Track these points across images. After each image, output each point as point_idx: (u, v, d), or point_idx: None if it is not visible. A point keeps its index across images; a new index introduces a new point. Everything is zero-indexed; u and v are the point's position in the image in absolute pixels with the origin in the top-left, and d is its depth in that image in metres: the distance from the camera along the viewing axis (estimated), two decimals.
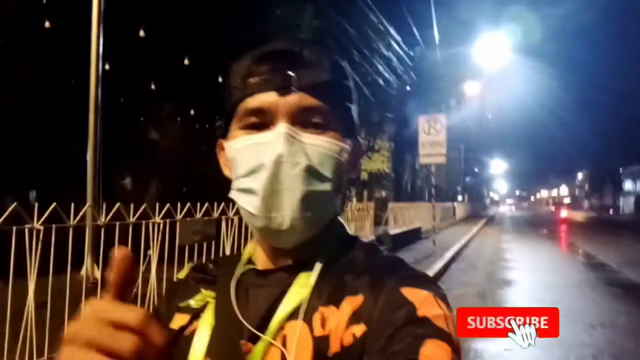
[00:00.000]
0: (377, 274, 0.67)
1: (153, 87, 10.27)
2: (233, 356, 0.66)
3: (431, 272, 8.56)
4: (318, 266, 0.69)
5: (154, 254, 4.53)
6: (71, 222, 3.67)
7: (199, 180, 11.72)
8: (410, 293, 0.62)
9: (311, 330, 0.64)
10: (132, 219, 4.23)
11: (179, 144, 12.63)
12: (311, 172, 0.66)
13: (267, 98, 0.67)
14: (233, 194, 0.72)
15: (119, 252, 0.45)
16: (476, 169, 54.12)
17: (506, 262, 12.23)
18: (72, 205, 3.73)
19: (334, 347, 0.62)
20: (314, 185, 0.67)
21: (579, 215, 59.57)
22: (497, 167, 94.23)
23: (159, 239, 4.54)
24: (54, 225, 3.48)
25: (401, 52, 17.48)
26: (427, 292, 0.63)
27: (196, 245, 5.01)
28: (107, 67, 7.30)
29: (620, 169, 68.65)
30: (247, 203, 0.68)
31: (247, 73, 0.69)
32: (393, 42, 16.31)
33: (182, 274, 0.85)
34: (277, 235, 0.68)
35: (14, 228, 3.27)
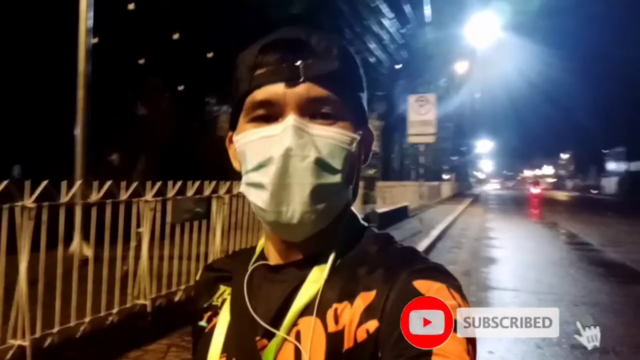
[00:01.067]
0: (390, 267, 0.66)
1: (142, 62, 10.11)
2: (248, 352, 0.67)
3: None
4: (330, 260, 0.69)
5: (145, 232, 4.54)
6: (62, 200, 3.65)
7: (187, 158, 11.66)
8: (423, 285, 0.61)
9: (325, 326, 0.64)
10: (123, 197, 4.22)
11: (168, 121, 12.51)
12: (321, 165, 0.65)
13: (274, 90, 0.66)
14: (243, 188, 0.71)
15: None
16: (463, 148, 54.36)
17: (491, 241, 12.40)
18: (63, 182, 3.71)
19: (348, 343, 0.62)
20: (324, 177, 0.66)
21: (562, 195, 60.37)
22: (484, 147, 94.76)
23: (150, 217, 4.55)
24: (46, 204, 3.46)
25: (392, 30, 17.35)
26: (441, 283, 0.62)
27: (187, 223, 5.02)
28: (95, 41, 7.17)
29: (604, 150, 69.41)
30: (257, 197, 0.68)
31: (254, 64, 0.68)
32: (384, 20, 16.17)
33: (198, 276, 0.86)
34: (287, 229, 0.68)
35: (6, 206, 3.26)
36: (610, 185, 66.91)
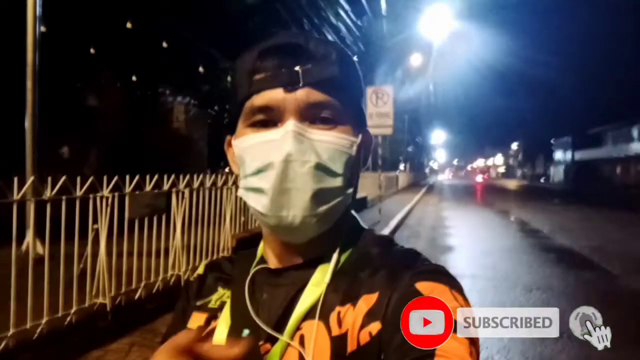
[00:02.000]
0: (392, 269, 0.67)
1: (93, 51, 9.74)
2: (251, 357, 0.67)
3: None
4: (333, 263, 0.69)
5: (102, 228, 4.40)
6: (15, 197, 3.49)
7: (142, 150, 11.36)
8: (426, 287, 0.62)
9: (328, 329, 0.64)
10: (79, 193, 4.07)
11: (120, 112, 12.13)
12: (321, 169, 0.65)
13: (273, 95, 0.66)
14: (241, 193, 0.71)
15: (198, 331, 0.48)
16: (418, 139, 55.33)
17: (447, 229, 12.71)
18: (14, 178, 3.55)
19: (351, 346, 0.62)
20: (325, 182, 0.66)
21: (512, 184, 62.56)
22: (438, 137, 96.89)
23: (107, 212, 4.41)
24: None
25: (349, 22, 17.41)
26: (443, 285, 0.63)
27: (146, 218, 4.90)
28: (44, 29, 6.84)
29: (552, 139, 72.27)
30: (256, 202, 0.67)
31: (252, 69, 0.68)
32: (341, 11, 16.21)
33: (200, 270, 0.85)
34: (288, 232, 0.68)
35: None
36: (557, 173, 69.88)
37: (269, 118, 0.67)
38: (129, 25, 9.51)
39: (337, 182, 0.67)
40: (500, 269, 7.69)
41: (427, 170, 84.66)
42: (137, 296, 4.75)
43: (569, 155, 63.73)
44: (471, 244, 10.48)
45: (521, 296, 6.06)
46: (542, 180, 74.67)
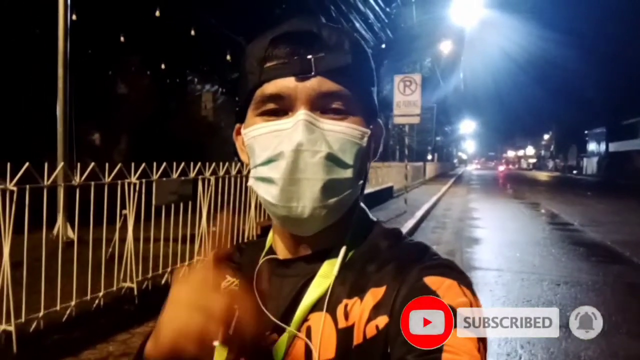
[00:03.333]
0: (401, 263, 0.66)
1: (122, 39, 9.87)
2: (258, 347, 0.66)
3: (403, 231, 8.72)
4: (341, 255, 0.69)
5: (130, 214, 4.48)
6: (45, 183, 3.58)
7: (169, 138, 11.51)
8: (434, 282, 0.61)
9: (335, 321, 0.64)
10: (107, 179, 4.15)
11: (149, 99, 12.30)
12: (332, 160, 0.64)
13: (285, 83, 0.65)
14: (251, 182, 0.70)
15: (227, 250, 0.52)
16: (447, 129, 54.64)
17: (474, 221, 12.53)
18: (45, 163, 3.63)
19: (357, 339, 0.62)
20: (335, 173, 0.65)
21: (543, 175, 61.35)
22: (467, 127, 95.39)
23: (135, 199, 4.49)
24: (27, 186, 3.39)
25: (378, 9, 17.21)
26: (451, 280, 0.62)
27: (173, 205, 4.97)
28: (75, 18, 6.96)
29: (585, 130, 70.44)
30: (266, 192, 0.67)
31: (264, 57, 0.66)
32: None
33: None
34: (297, 223, 0.67)
35: None
36: (590, 165, 68.16)
37: (280, 107, 0.66)
38: (157, 13, 9.59)
39: (348, 173, 0.66)
40: (527, 262, 7.55)
41: (455, 161, 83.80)
42: (163, 281, 4.84)
43: (602, 146, 62.03)
44: (498, 236, 10.31)
45: (548, 290, 5.95)
46: (574, 172, 72.98)
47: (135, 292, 4.42)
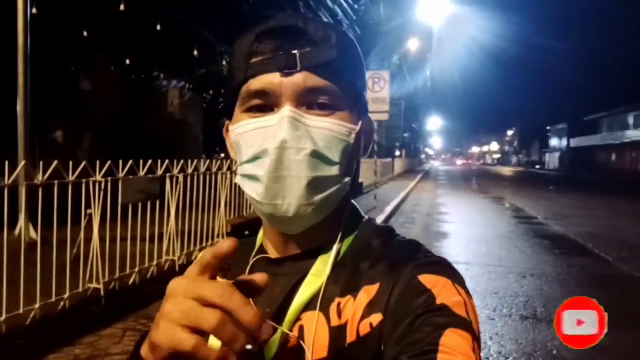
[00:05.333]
0: (394, 260, 0.66)
1: (85, 34, 9.60)
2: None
3: None
4: (333, 253, 0.68)
5: (95, 213, 4.37)
6: (6, 182, 3.45)
7: (135, 135, 11.27)
8: (428, 280, 0.61)
9: (328, 320, 0.64)
10: (71, 177, 4.03)
11: (114, 96, 12.00)
12: (317, 157, 0.64)
13: (270, 79, 0.64)
14: (238, 180, 0.69)
15: (228, 242, 0.48)
16: (414, 125, 55.25)
17: (441, 216, 12.75)
18: (5, 162, 3.51)
19: (350, 337, 0.62)
20: (321, 170, 0.64)
21: (507, 170, 62.79)
22: (434, 124, 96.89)
23: (100, 197, 4.38)
24: None
25: (346, 5, 17.22)
26: (445, 278, 0.62)
27: (140, 204, 4.87)
28: (35, 11, 6.73)
29: (548, 126, 72.42)
30: (252, 189, 0.66)
31: (249, 52, 0.65)
32: None
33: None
34: (283, 221, 0.67)
35: None
36: (552, 160, 70.15)
37: (266, 103, 0.65)
38: (122, 7, 9.35)
39: (334, 170, 0.65)
40: (494, 255, 7.72)
41: (422, 157, 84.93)
42: (130, 281, 4.74)
43: (564, 141, 63.89)
44: (465, 230, 10.52)
45: (515, 282, 6.09)
46: (537, 166, 74.93)
47: (102, 293, 4.32)
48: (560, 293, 5.64)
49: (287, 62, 0.63)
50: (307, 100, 0.64)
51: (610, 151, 49.93)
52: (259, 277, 0.50)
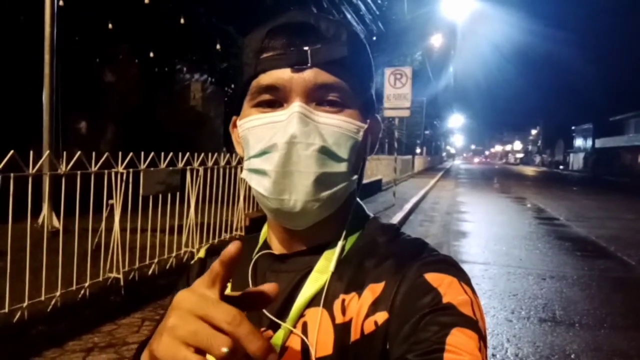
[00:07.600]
0: (400, 258, 0.65)
1: (110, 26, 9.71)
2: None
3: None
4: (338, 250, 0.68)
5: (116, 204, 4.44)
6: (30, 171, 3.52)
7: (156, 128, 11.39)
8: (435, 279, 0.61)
9: (332, 317, 0.63)
10: (94, 168, 4.10)
11: (137, 88, 12.15)
12: (326, 153, 0.64)
13: (280, 75, 0.64)
14: (244, 174, 0.69)
15: (233, 246, 0.46)
16: (436, 122, 54.78)
17: (461, 215, 12.62)
18: (31, 152, 3.58)
19: (355, 335, 0.62)
20: (329, 166, 0.64)
21: (530, 170, 61.87)
22: (456, 121, 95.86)
23: (122, 188, 4.44)
24: (12, 175, 3.33)
25: (369, 0, 17.10)
26: (452, 277, 0.61)
27: (160, 195, 4.92)
28: (62, 3, 6.83)
29: (573, 126, 71.13)
30: (258, 184, 0.66)
31: (260, 48, 0.66)
32: None
33: (201, 253, 0.83)
34: (289, 217, 0.66)
35: None
36: (576, 161, 68.90)
37: (275, 98, 0.65)
38: (146, 0, 9.44)
39: (342, 167, 0.66)
40: (514, 256, 7.62)
41: (444, 154, 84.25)
42: (150, 272, 4.81)
43: (589, 142, 62.69)
44: (485, 229, 10.39)
45: (535, 284, 6.00)
46: (561, 167, 73.71)
47: (122, 283, 4.39)
48: (580, 296, 5.55)
49: (298, 58, 0.64)
50: (317, 96, 0.65)
51: (637, 153, 48.81)
52: (269, 288, 0.49)
